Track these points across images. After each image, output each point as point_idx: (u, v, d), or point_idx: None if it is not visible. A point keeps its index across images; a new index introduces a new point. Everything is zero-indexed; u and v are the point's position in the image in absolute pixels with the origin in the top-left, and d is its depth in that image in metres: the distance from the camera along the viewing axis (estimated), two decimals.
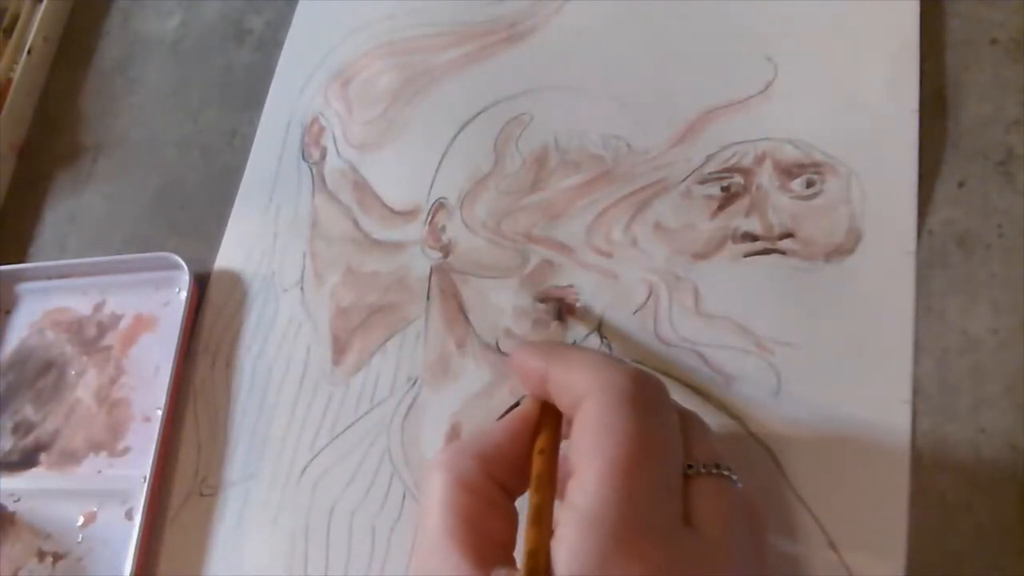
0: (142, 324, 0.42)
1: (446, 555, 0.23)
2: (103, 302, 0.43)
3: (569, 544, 0.22)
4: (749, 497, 0.26)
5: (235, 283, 0.41)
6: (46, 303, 0.45)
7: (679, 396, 0.32)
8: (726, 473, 0.25)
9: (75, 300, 0.44)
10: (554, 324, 0.34)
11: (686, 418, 0.27)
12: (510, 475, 0.26)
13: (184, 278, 0.41)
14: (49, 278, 0.45)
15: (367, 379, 0.37)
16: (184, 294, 0.41)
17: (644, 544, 0.21)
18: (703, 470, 0.25)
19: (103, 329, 0.43)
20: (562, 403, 0.26)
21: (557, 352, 0.27)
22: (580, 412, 0.24)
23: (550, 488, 0.25)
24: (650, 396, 0.25)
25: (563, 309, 0.34)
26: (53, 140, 0.50)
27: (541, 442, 0.26)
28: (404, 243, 0.39)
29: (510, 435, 0.26)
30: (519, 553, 0.23)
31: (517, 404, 0.28)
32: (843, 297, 0.32)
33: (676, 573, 0.21)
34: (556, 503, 0.24)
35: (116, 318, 0.43)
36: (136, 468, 0.38)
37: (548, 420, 0.27)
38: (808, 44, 0.36)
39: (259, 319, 0.40)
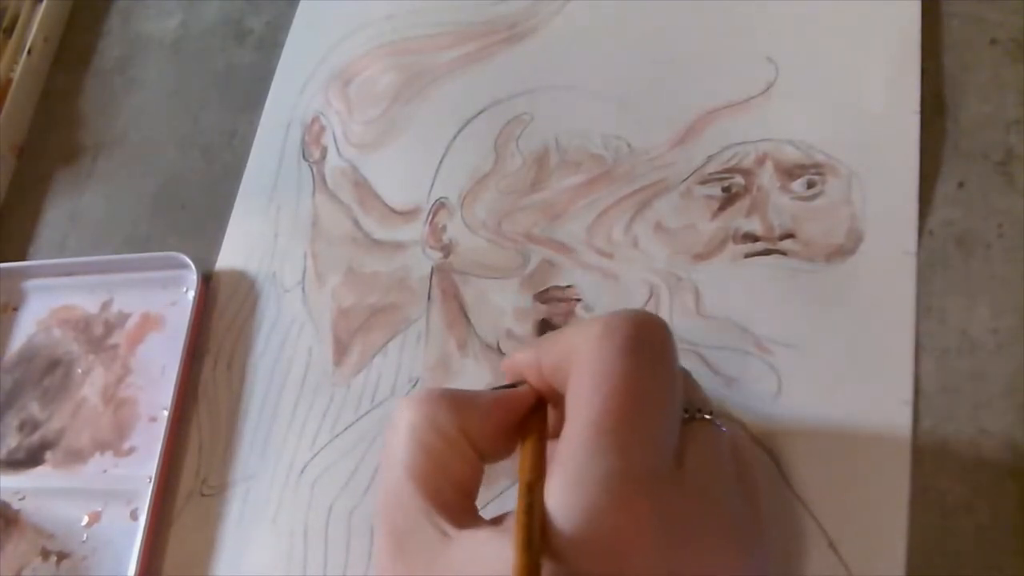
0: (149, 323, 0.42)
1: (410, 494, 0.23)
2: (110, 300, 0.44)
3: (557, 497, 0.21)
4: (739, 441, 0.25)
5: (237, 283, 0.41)
6: (53, 301, 0.45)
7: None
8: (713, 419, 0.24)
9: (82, 298, 0.44)
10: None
11: None
12: (482, 438, 0.24)
13: (192, 278, 0.41)
14: (57, 276, 0.45)
15: (368, 380, 0.37)
16: (192, 294, 0.41)
17: (634, 495, 0.21)
18: (697, 415, 0.24)
19: (110, 328, 0.43)
20: (559, 382, 0.24)
21: (549, 336, 0.26)
22: (574, 362, 0.23)
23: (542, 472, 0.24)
24: (650, 338, 0.23)
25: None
26: (53, 140, 0.50)
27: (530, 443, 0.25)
28: (405, 243, 0.39)
29: (496, 405, 0.25)
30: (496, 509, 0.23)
31: (512, 386, 0.26)
32: (844, 298, 0.32)
33: (666, 522, 0.21)
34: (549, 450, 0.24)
35: (123, 317, 0.43)
36: (141, 468, 0.39)
37: (537, 422, 0.26)
38: (809, 44, 0.36)
39: (261, 320, 0.40)
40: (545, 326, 0.35)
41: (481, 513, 0.24)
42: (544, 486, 0.22)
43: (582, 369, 0.23)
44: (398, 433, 0.24)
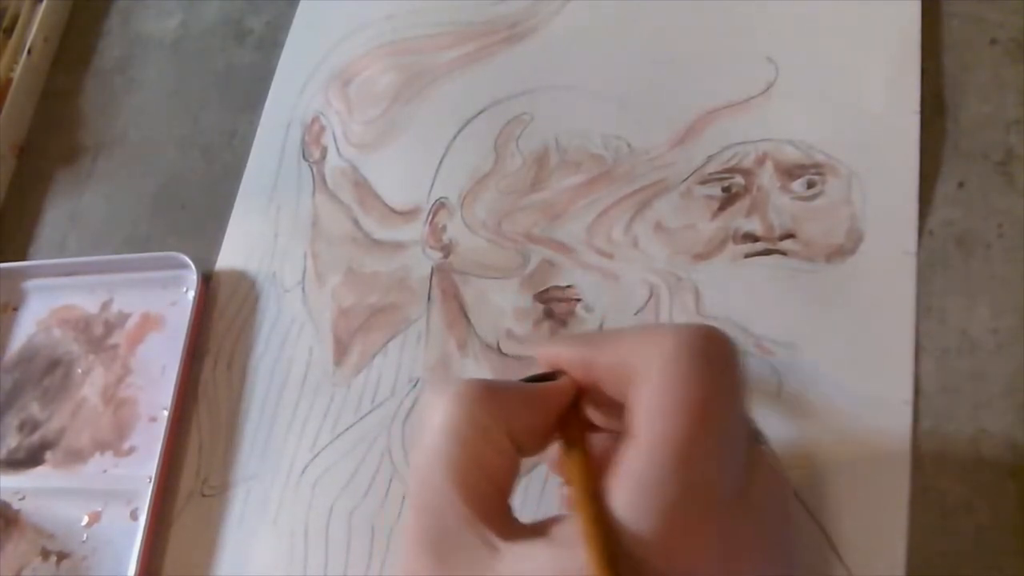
0: (149, 323, 0.42)
1: (449, 497, 0.22)
2: (110, 300, 0.44)
3: (625, 511, 0.20)
4: (778, 459, 0.25)
5: (237, 283, 0.41)
6: (54, 301, 0.45)
7: None
8: (760, 437, 0.24)
9: (82, 298, 0.44)
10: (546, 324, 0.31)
11: None
12: (522, 432, 0.23)
13: (192, 278, 0.41)
14: (57, 276, 0.45)
15: (368, 380, 0.37)
16: (192, 294, 0.41)
17: (704, 519, 0.20)
18: (757, 440, 0.24)
19: (110, 328, 0.43)
20: (610, 385, 0.23)
21: (601, 335, 0.24)
22: (642, 381, 0.22)
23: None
24: (722, 354, 0.22)
25: (555, 312, 0.33)
26: (53, 140, 0.50)
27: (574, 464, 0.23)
28: (405, 243, 0.39)
29: (538, 398, 0.24)
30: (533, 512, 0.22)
31: (548, 376, 0.25)
32: (844, 298, 0.32)
33: (729, 546, 0.21)
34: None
35: (123, 317, 0.43)
36: (141, 468, 0.39)
37: (577, 418, 0.25)
38: (809, 44, 0.36)
39: (261, 320, 0.40)
40: (549, 315, 0.34)
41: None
42: (599, 503, 0.21)
43: (655, 382, 0.22)
44: (435, 427, 0.23)
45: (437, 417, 0.23)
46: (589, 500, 0.21)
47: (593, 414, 0.25)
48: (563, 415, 0.24)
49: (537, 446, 0.24)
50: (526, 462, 0.24)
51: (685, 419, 0.21)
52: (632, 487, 0.21)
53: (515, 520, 0.23)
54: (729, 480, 0.21)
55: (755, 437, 0.24)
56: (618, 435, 0.23)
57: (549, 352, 0.25)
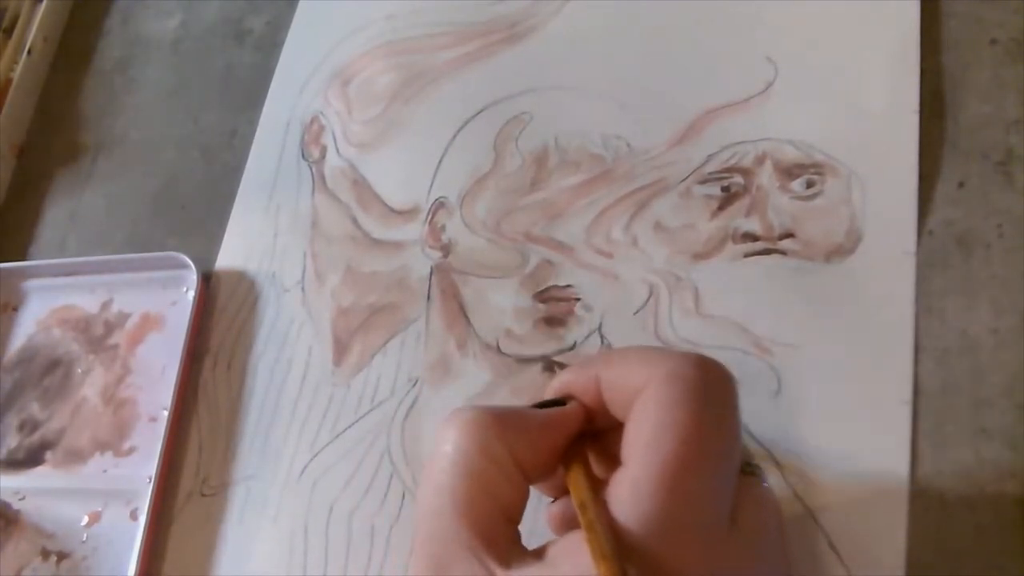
0: (149, 323, 0.42)
1: (455, 526, 0.22)
2: (110, 300, 0.44)
3: (621, 515, 0.21)
4: (772, 494, 0.26)
5: (236, 283, 0.41)
6: (53, 301, 0.45)
7: None
8: (757, 471, 0.25)
9: (82, 298, 0.44)
10: (545, 377, 0.31)
11: None
12: (531, 461, 0.24)
13: (192, 277, 0.41)
14: (56, 275, 0.45)
15: (368, 380, 0.37)
16: (192, 294, 0.41)
17: (694, 548, 0.21)
18: (747, 468, 0.24)
19: (110, 328, 0.43)
20: (616, 405, 0.24)
21: (609, 353, 0.25)
22: (639, 401, 0.22)
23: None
24: (716, 387, 0.23)
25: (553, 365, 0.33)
26: (53, 140, 0.50)
27: (578, 489, 0.24)
28: (404, 243, 0.39)
29: (547, 426, 0.24)
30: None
31: (558, 403, 0.25)
32: (843, 297, 0.32)
33: (717, 571, 0.21)
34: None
35: (123, 317, 0.43)
36: (141, 468, 0.39)
37: (583, 444, 0.25)
38: (808, 44, 0.36)
39: (260, 319, 0.40)
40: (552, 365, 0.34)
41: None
42: (600, 507, 0.21)
43: (647, 408, 0.22)
44: (445, 456, 0.23)
45: (447, 446, 0.23)
46: (591, 503, 0.22)
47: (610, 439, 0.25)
48: (571, 442, 0.25)
49: (545, 473, 0.25)
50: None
51: (676, 438, 0.21)
52: (626, 494, 0.21)
53: (522, 547, 0.23)
54: (716, 504, 0.22)
55: (752, 471, 0.24)
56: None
57: (560, 384, 0.26)
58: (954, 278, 0.31)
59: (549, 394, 0.26)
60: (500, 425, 0.23)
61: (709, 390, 0.22)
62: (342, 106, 0.43)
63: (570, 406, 0.25)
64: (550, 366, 0.33)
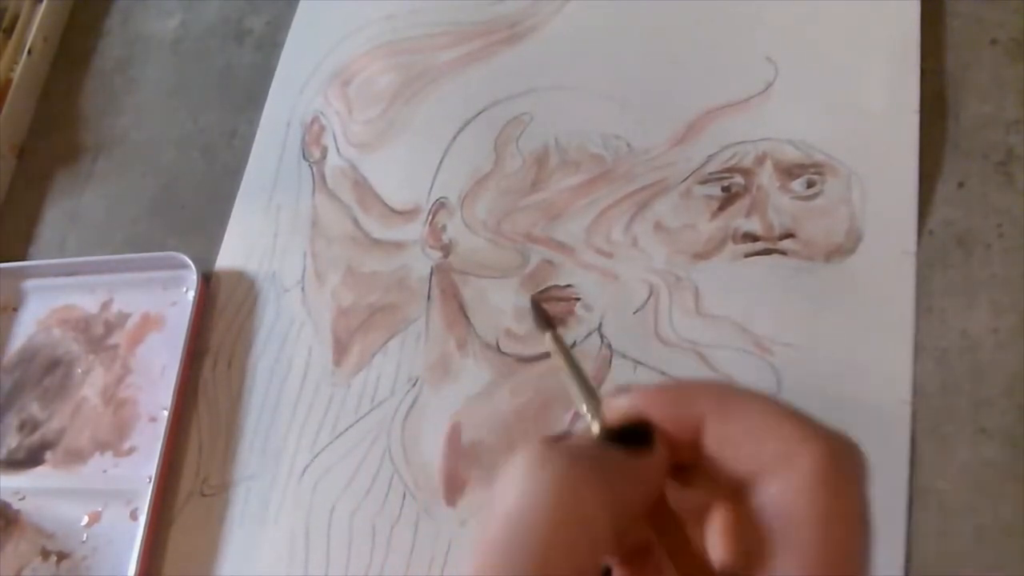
0: (149, 323, 0.42)
1: None
2: (110, 300, 0.44)
3: None
4: None
5: (236, 283, 0.41)
6: (53, 301, 0.45)
7: None
8: None
9: (82, 298, 0.44)
10: (548, 336, 0.24)
11: None
12: (624, 524, 0.18)
13: (192, 277, 0.41)
14: (57, 276, 0.45)
15: (368, 379, 0.37)
16: (192, 294, 0.41)
17: None
18: None
19: (110, 328, 0.43)
20: (734, 463, 0.19)
21: (717, 394, 0.20)
22: (785, 479, 0.18)
23: None
24: (864, 472, 0.19)
25: (548, 316, 0.26)
26: (53, 140, 0.50)
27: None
28: (404, 243, 0.39)
29: (644, 476, 0.19)
30: None
31: (638, 434, 0.19)
32: (843, 297, 0.32)
33: None
34: None
35: (123, 317, 0.43)
36: (141, 468, 0.39)
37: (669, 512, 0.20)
38: (808, 44, 0.36)
39: (260, 319, 0.40)
40: (546, 316, 0.30)
41: None
42: None
43: (803, 494, 0.18)
44: (519, 514, 0.17)
45: (524, 500, 0.17)
46: None
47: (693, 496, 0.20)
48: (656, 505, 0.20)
49: (632, 536, 0.20)
50: None
51: (851, 529, 0.18)
52: None
53: None
54: None
55: None
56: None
57: (634, 401, 0.20)
58: (954, 278, 0.31)
59: (617, 414, 0.20)
60: (597, 478, 0.18)
61: (863, 474, 0.19)
62: (342, 106, 0.43)
63: (660, 454, 0.19)
64: (542, 314, 0.26)
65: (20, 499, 0.40)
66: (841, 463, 0.18)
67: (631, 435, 0.19)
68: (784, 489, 0.18)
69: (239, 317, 0.40)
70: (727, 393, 0.20)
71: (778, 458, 0.19)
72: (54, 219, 0.47)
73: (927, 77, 0.33)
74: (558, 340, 0.23)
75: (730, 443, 0.19)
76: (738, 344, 0.32)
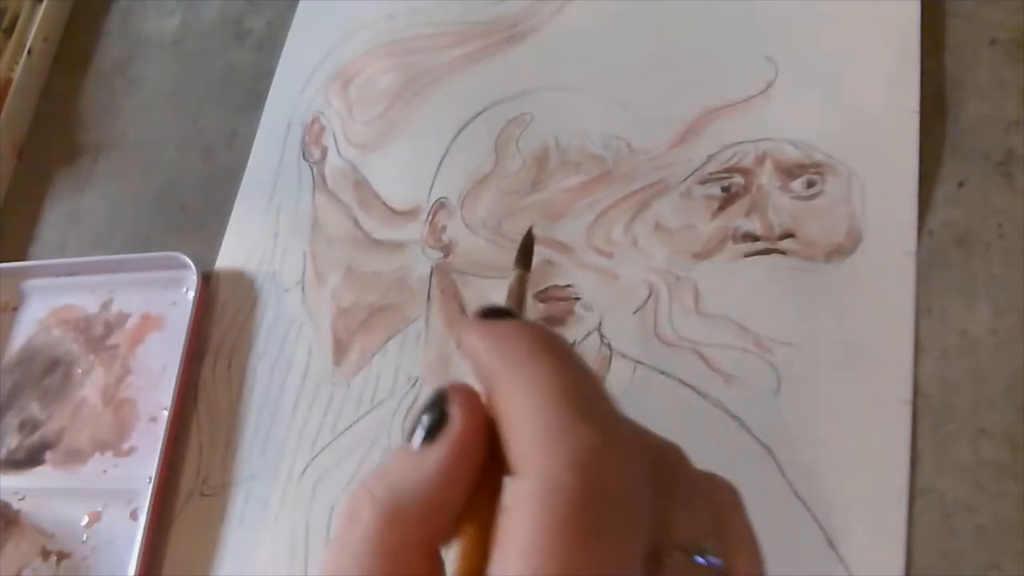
0: (149, 323, 0.42)
1: None
2: (110, 301, 0.44)
3: None
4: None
5: (236, 283, 0.41)
6: (54, 301, 0.45)
7: (679, 396, 0.32)
8: (705, 561, 0.17)
9: (83, 298, 0.44)
10: (515, 272, 0.22)
11: (666, 468, 0.18)
12: (446, 536, 0.17)
13: (192, 278, 0.41)
14: (57, 276, 0.45)
15: (368, 379, 0.37)
16: (192, 294, 0.41)
17: None
18: (679, 557, 0.17)
19: (110, 328, 0.43)
20: (506, 438, 0.17)
21: (512, 357, 0.17)
22: (512, 502, 0.16)
23: None
24: (609, 505, 0.15)
25: (528, 256, 0.23)
26: (53, 140, 0.50)
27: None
28: (405, 243, 0.39)
29: (445, 484, 0.17)
30: None
31: (441, 409, 0.17)
32: (843, 297, 0.32)
33: None
34: None
35: (123, 317, 0.43)
36: (142, 468, 0.39)
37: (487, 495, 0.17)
38: (808, 44, 0.36)
39: (260, 319, 0.40)
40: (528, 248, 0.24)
41: None
42: None
43: (514, 527, 0.15)
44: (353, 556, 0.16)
45: (351, 549, 0.17)
46: None
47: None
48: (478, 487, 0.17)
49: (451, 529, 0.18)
50: None
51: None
52: None
53: None
54: None
55: (695, 551, 0.17)
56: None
57: (471, 339, 0.18)
58: (954, 278, 0.31)
59: (466, 354, 0.18)
60: (421, 522, 0.16)
61: (594, 511, 0.15)
62: (343, 106, 0.43)
63: (463, 424, 0.17)
64: (526, 251, 0.23)
65: (20, 499, 0.40)
66: (545, 504, 0.15)
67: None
68: (512, 497, 0.16)
69: (239, 317, 0.40)
70: (518, 347, 0.17)
71: (518, 458, 0.16)
72: (54, 219, 0.47)
73: (927, 77, 0.33)
74: (520, 281, 0.21)
75: (501, 419, 0.17)
76: (738, 343, 0.32)
